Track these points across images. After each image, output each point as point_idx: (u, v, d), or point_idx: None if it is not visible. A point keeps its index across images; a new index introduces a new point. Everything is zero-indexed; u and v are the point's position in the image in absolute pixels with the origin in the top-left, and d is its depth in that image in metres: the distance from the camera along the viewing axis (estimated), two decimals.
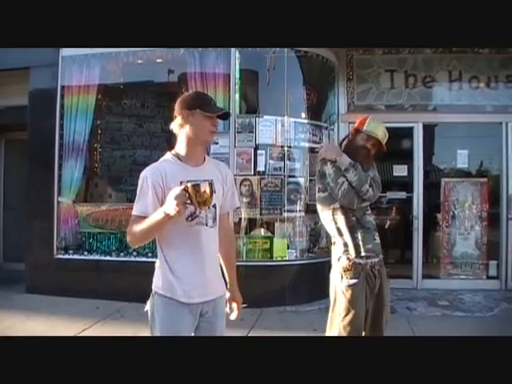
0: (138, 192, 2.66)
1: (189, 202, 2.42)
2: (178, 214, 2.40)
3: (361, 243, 3.39)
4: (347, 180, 3.41)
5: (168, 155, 2.80)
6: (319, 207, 3.62)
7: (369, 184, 3.42)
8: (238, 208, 6.97)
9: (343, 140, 3.77)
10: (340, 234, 3.46)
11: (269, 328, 5.86)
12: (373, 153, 3.56)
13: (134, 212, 2.65)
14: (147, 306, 2.77)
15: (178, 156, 2.76)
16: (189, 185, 2.42)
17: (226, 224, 3.06)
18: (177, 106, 2.76)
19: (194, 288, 2.70)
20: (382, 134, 3.53)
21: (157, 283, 2.74)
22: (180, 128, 2.74)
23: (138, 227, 2.56)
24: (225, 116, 2.86)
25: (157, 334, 2.68)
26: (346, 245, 3.42)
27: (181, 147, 2.76)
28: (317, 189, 3.63)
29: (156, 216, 2.49)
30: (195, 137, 2.73)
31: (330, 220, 3.50)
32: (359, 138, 3.56)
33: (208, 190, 2.44)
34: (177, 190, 2.41)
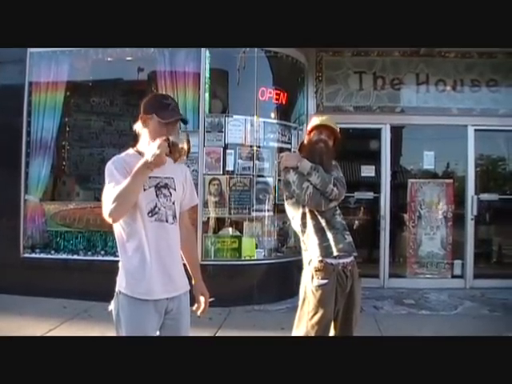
0: (108, 178, 2.63)
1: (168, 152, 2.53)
2: (160, 161, 2.48)
3: (332, 244, 3.42)
4: (311, 183, 3.46)
5: (131, 151, 2.82)
6: (289, 214, 3.66)
7: (333, 184, 3.46)
8: (206, 207, 7.02)
9: (300, 145, 3.89)
10: (310, 237, 3.48)
11: (237, 327, 5.87)
12: (331, 142, 3.65)
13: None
14: (111, 306, 2.76)
15: (140, 153, 2.75)
16: (170, 137, 2.53)
17: (186, 221, 3.09)
18: (141, 110, 2.81)
19: (156, 285, 2.71)
20: (327, 121, 3.69)
21: (120, 282, 2.74)
22: (142, 130, 2.80)
23: (116, 190, 2.52)
24: (183, 121, 2.93)
25: (122, 333, 2.68)
26: (316, 248, 3.43)
27: (143, 147, 2.76)
28: (284, 196, 3.69)
29: (136, 168, 2.52)
30: (153, 140, 2.73)
31: (300, 225, 3.54)
32: (312, 136, 3.66)
33: (186, 147, 2.59)
34: (158, 140, 2.50)
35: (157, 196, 2.73)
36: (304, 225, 3.52)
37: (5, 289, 6.89)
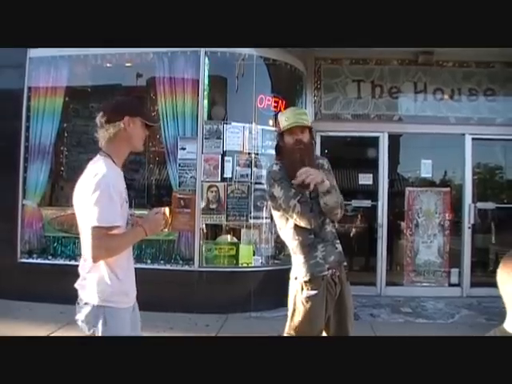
0: (103, 199, 2.54)
1: None
2: (157, 232, 2.71)
3: (322, 261, 3.28)
4: (299, 201, 3.24)
5: (106, 158, 2.69)
6: (277, 225, 3.50)
7: (340, 206, 3.31)
8: (203, 214, 7.03)
9: (277, 149, 3.54)
10: (296, 254, 3.35)
11: (234, 334, 5.85)
12: (306, 136, 3.34)
13: (105, 223, 2.51)
14: (84, 319, 2.82)
15: (112, 160, 2.70)
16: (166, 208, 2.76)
17: None
18: (115, 111, 2.70)
19: (133, 291, 2.84)
20: (293, 118, 3.33)
21: (103, 296, 2.65)
22: (118, 133, 2.66)
23: (117, 242, 2.59)
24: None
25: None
26: (301, 266, 3.31)
27: (116, 151, 2.71)
28: (271, 207, 3.49)
29: (136, 234, 2.67)
30: (131, 144, 2.74)
31: (287, 238, 3.40)
32: (287, 139, 3.36)
33: (168, 214, 2.77)
34: (156, 212, 2.72)
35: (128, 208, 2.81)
36: (292, 238, 3.35)
37: (1, 294, 6.87)
